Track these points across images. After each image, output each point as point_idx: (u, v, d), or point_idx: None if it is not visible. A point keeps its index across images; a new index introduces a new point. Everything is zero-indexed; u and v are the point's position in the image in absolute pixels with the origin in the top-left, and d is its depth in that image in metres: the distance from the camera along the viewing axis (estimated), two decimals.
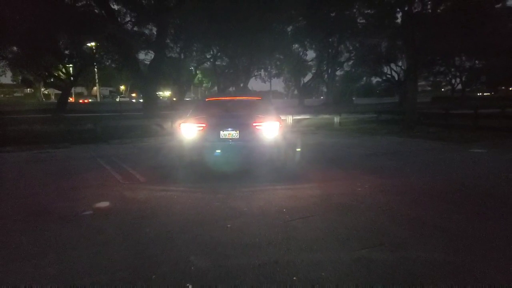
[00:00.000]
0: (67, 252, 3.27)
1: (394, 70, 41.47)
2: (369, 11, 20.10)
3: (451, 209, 4.39)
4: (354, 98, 58.82)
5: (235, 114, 6.16)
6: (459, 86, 45.72)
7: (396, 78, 42.32)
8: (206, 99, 7.76)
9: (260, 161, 6.03)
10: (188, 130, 5.95)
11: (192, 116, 6.26)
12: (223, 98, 8.06)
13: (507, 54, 23.59)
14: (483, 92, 64.13)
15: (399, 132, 12.83)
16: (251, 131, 5.82)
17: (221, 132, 5.85)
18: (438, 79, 57.73)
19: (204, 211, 4.39)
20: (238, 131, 5.82)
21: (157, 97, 26.10)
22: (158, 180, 6.06)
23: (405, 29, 13.78)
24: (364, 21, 23.01)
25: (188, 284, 2.67)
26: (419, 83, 65.69)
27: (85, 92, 73.22)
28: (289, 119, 15.80)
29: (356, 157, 8.38)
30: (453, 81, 48.87)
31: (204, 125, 5.90)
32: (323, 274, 2.81)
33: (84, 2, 19.90)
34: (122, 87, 71.06)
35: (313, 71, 49.75)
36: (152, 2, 19.27)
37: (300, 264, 2.96)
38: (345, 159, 8.09)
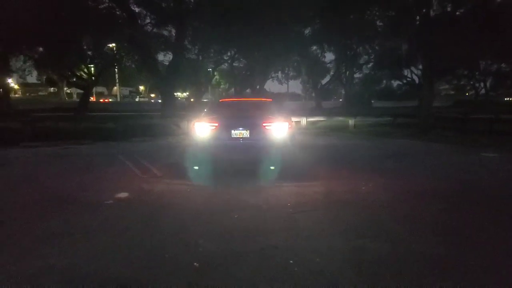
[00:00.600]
0: (91, 233, 3.67)
1: (414, 73, 40.84)
2: (387, 13, 20.12)
3: (449, 208, 4.60)
4: (373, 101, 58.47)
5: (246, 115, 6.48)
6: (482, 91, 44.79)
7: (417, 82, 41.65)
8: (220, 100, 8.13)
9: (269, 159, 6.33)
10: (202, 129, 6.32)
11: (206, 115, 6.63)
12: (235, 99, 8.42)
13: None
14: (510, 97, 62.24)
15: (413, 136, 12.93)
16: (260, 131, 6.13)
17: (233, 131, 6.18)
18: (462, 83, 56.30)
19: (215, 204, 4.75)
20: (248, 131, 6.14)
21: (175, 98, 26.72)
22: (174, 175, 6.46)
23: (421, 32, 13.84)
24: (382, 23, 23.00)
25: (195, 263, 3.01)
26: (442, 87, 64.63)
27: (106, 92, 74.83)
28: (304, 121, 16.05)
29: (365, 158, 8.60)
30: (476, 85, 47.86)
31: (216, 124, 6.25)
32: (317, 259, 3.10)
33: (107, 4, 20.69)
34: (142, 87, 72.41)
35: (332, 73, 49.64)
36: (171, 4, 19.87)
37: (298, 250, 3.27)
38: (354, 160, 8.33)
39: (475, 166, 7.62)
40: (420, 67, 37.59)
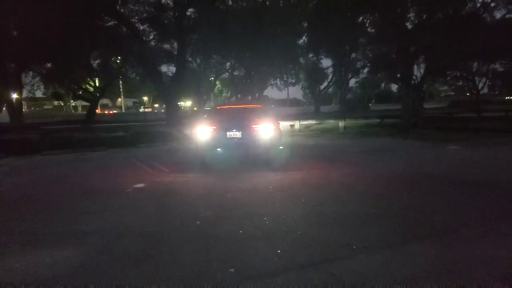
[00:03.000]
0: (117, 210, 4.96)
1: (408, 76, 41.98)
2: (372, 20, 21.51)
3: (399, 186, 5.88)
4: (370, 104, 59.85)
5: (238, 118, 7.78)
6: (483, 90, 45.78)
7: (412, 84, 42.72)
8: (217, 107, 9.45)
9: (257, 155, 7.61)
10: (202, 131, 7.62)
11: (206, 120, 7.94)
12: (231, 106, 9.76)
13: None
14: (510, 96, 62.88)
15: (394, 135, 14.17)
16: (250, 131, 7.41)
17: (228, 132, 7.47)
18: (459, 84, 57.41)
19: (212, 188, 6.04)
20: (240, 132, 7.43)
21: (179, 107, 28.08)
22: (179, 170, 7.76)
23: (398, 39, 15.14)
24: (373, 30, 24.36)
25: (198, 222, 4.29)
26: (441, 88, 65.54)
27: (110, 104, 76.59)
28: (297, 124, 17.32)
29: (344, 154, 9.87)
30: (470, 84, 49.07)
31: (214, 127, 7.56)
32: (284, 217, 4.38)
33: (113, 22, 22.19)
34: (145, 98, 73.93)
35: (329, 78, 51.10)
36: (173, 21, 21.34)
37: (271, 214, 4.54)
38: (334, 155, 9.60)
39: (435, 156, 8.90)
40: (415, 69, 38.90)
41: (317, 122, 19.48)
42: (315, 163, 8.30)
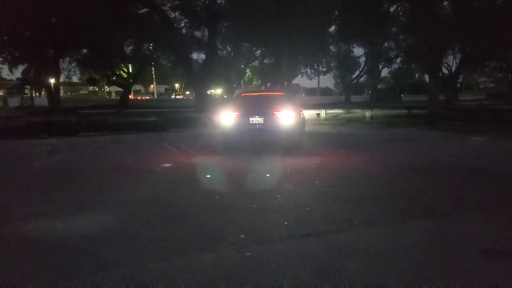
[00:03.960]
0: (147, 185, 5.51)
1: (444, 66, 40.62)
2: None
3: (411, 172, 6.12)
4: (402, 95, 58.43)
5: (261, 105, 8.16)
6: None
7: (447, 74, 41.43)
8: (241, 94, 9.86)
9: (278, 140, 7.99)
10: (226, 117, 8.07)
11: (230, 106, 8.38)
12: (254, 93, 10.14)
13: None
14: None
15: (419, 125, 14.11)
16: (272, 118, 7.78)
17: (250, 118, 7.87)
18: (500, 75, 54.88)
19: (232, 169, 6.53)
20: (262, 118, 7.81)
21: (208, 94, 28.69)
22: (204, 153, 8.30)
23: (427, 29, 14.86)
24: (405, 19, 23.79)
25: (217, 196, 4.76)
26: (480, 80, 63.09)
27: (143, 90, 78.66)
28: (323, 113, 17.49)
29: (366, 142, 10.07)
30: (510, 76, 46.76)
31: (238, 113, 7.98)
32: (295, 195, 4.77)
33: (145, 10, 22.89)
34: (177, 85, 75.40)
35: (360, 68, 50.36)
36: (204, 7, 21.78)
37: (285, 192, 4.93)
38: (354, 144, 9.83)
39: (457, 147, 8.96)
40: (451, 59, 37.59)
41: (344, 111, 19.54)
42: (334, 150, 8.59)
